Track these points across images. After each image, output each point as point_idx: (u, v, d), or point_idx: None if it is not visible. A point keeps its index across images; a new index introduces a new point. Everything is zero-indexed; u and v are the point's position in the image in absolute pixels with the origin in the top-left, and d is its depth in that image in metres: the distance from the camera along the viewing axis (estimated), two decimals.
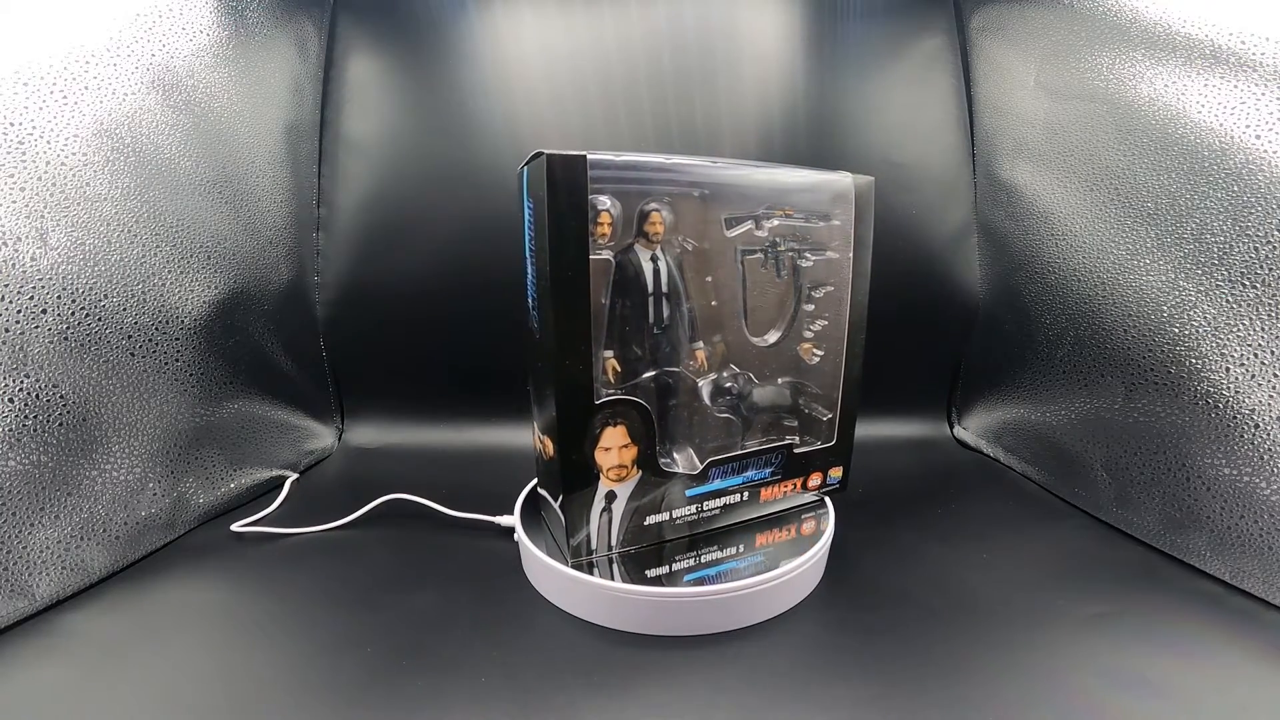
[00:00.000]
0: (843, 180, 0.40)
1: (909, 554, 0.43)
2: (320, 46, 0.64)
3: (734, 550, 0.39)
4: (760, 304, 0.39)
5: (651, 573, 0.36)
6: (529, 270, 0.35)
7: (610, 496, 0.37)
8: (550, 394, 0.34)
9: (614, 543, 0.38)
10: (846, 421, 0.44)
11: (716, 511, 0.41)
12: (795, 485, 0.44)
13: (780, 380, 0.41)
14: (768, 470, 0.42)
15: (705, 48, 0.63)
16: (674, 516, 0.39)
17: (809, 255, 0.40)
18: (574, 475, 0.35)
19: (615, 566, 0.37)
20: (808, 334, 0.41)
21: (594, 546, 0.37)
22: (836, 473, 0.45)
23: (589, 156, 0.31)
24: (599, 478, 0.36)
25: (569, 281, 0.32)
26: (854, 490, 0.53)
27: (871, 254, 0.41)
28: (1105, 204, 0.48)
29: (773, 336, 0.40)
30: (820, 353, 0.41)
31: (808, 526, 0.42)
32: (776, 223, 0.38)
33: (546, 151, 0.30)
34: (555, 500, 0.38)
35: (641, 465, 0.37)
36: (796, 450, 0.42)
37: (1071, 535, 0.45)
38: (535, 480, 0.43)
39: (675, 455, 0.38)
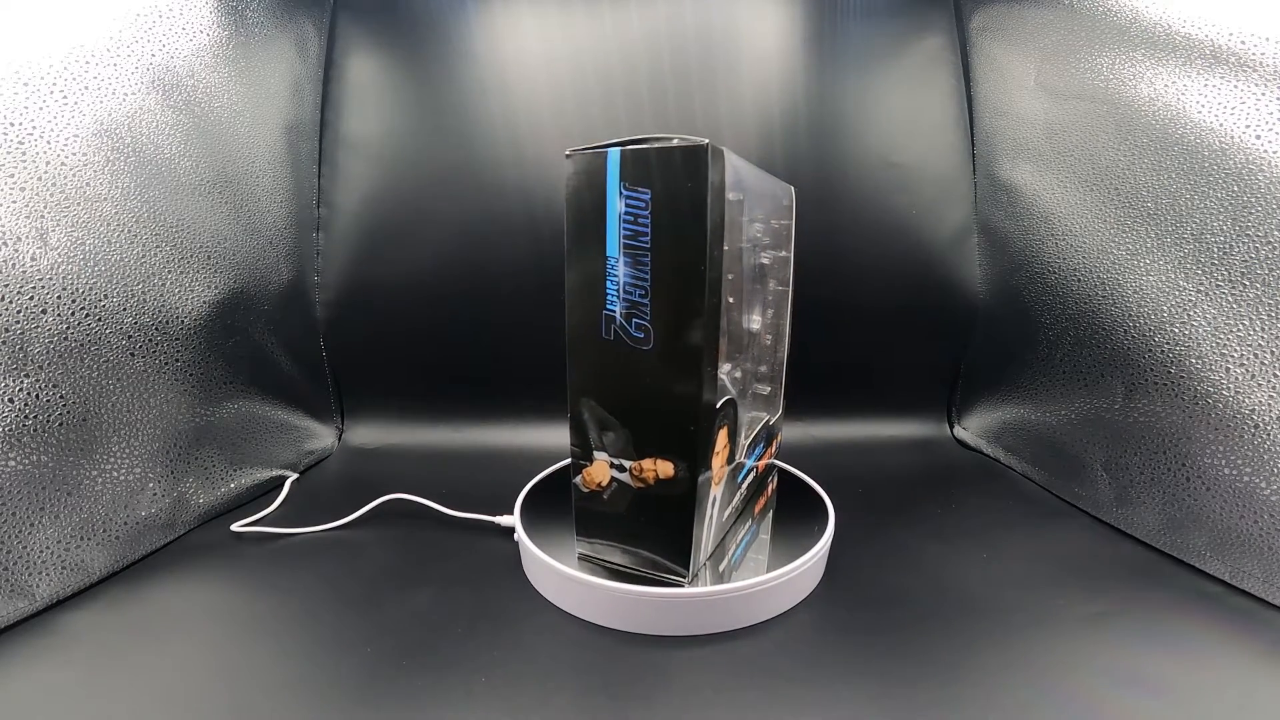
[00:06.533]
0: (788, 188, 0.43)
1: (909, 554, 0.43)
2: (320, 46, 0.64)
3: (748, 524, 0.40)
4: (749, 298, 0.41)
5: (721, 566, 0.36)
6: (623, 273, 0.31)
7: (714, 502, 0.35)
8: (681, 409, 0.31)
9: (710, 547, 0.37)
10: (784, 394, 0.49)
11: (745, 491, 0.42)
12: (769, 453, 0.47)
13: (751, 365, 0.44)
14: (762, 444, 0.44)
15: (705, 48, 0.63)
16: (733, 505, 0.40)
17: (767, 253, 0.41)
18: (702, 490, 0.33)
19: (706, 572, 0.35)
20: (766, 320, 0.44)
21: (702, 558, 0.36)
22: (779, 438, 0.51)
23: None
24: (710, 485, 0.34)
25: (716, 281, 0.30)
26: (854, 490, 0.53)
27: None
28: (1105, 204, 0.48)
29: (755, 325, 0.42)
30: (770, 337, 0.44)
31: (770, 486, 0.48)
32: (760, 225, 0.40)
33: (707, 141, 0.28)
34: (668, 522, 0.34)
35: (729, 463, 0.36)
36: (771, 423, 0.45)
37: (1071, 535, 0.45)
38: (588, 528, 0.37)
39: None
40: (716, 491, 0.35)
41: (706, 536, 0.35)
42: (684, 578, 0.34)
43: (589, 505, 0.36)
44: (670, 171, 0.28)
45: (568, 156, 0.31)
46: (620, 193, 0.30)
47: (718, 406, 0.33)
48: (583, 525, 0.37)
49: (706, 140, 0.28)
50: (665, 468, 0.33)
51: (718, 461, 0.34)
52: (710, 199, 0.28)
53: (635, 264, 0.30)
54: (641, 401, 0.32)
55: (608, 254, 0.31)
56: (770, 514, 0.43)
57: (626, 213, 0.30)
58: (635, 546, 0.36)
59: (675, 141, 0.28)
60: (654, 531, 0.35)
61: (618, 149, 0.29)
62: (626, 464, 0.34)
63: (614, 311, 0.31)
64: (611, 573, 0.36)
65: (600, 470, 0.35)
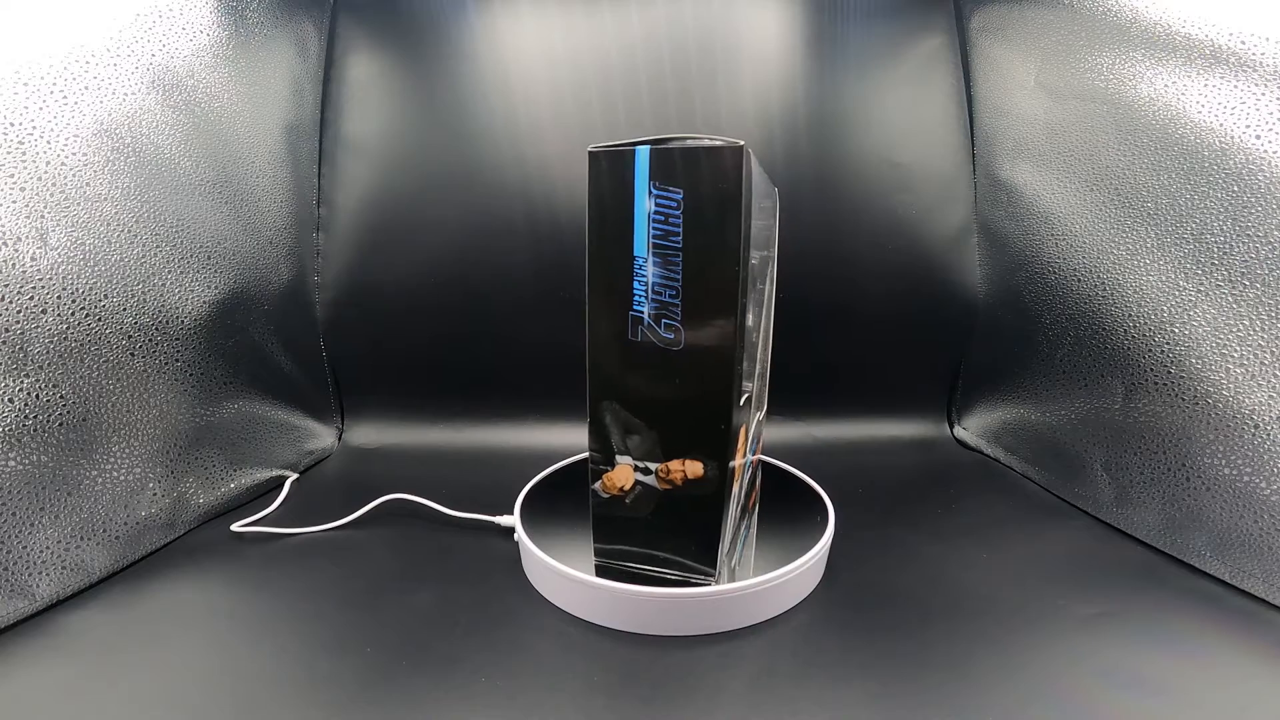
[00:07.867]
0: (774, 189, 0.42)
1: (909, 554, 0.43)
2: (320, 46, 0.64)
3: (745, 521, 0.40)
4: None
5: (732, 564, 0.35)
6: (652, 273, 0.30)
7: (733, 499, 0.35)
8: (714, 408, 0.31)
9: (728, 545, 0.36)
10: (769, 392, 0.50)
11: (746, 487, 0.42)
12: (758, 449, 0.47)
13: (748, 363, 0.45)
14: (755, 441, 0.44)
15: (705, 48, 0.63)
16: (741, 502, 0.40)
17: (755, 253, 0.42)
18: (728, 487, 0.33)
19: (724, 570, 0.35)
20: (758, 319, 0.44)
21: (723, 556, 0.35)
22: (763, 435, 0.51)
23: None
24: (733, 482, 0.34)
25: (746, 281, 0.30)
26: (854, 490, 0.53)
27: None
28: (1105, 204, 0.48)
29: (749, 323, 0.42)
30: (759, 335, 0.44)
31: (758, 481, 0.47)
32: (753, 225, 0.40)
33: (743, 143, 0.28)
34: (696, 522, 0.33)
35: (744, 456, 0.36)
36: (761, 419, 0.45)
37: (1071, 535, 0.45)
38: (608, 534, 0.36)
39: None
40: (736, 488, 0.36)
41: (729, 534, 0.36)
42: (712, 576, 0.34)
43: (609, 511, 0.35)
44: (704, 172, 0.28)
45: (591, 153, 0.30)
46: (650, 192, 0.29)
47: (740, 404, 0.33)
48: (602, 532, 0.36)
49: (742, 142, 0.28)
50: (694, 468, 0.32)
51: (738, 459, 0.34)
52: (743, 199, 0.28)
53: (666, 264, 0.30)
54: (671, 402, 0.32)
55: (635, 254, 0.30)
56: (757, 510, 0.44)
57: (657, 212, 0.29)
58: (660, 549, 0.35)
59: (719, 142, 0.28)
60: (681, 532, 0.34)
61: (646, 147, 0.29)
62: (653, 466, 0.33)
63: (642, 312, 0.31)
64: (628, 575, 0.35)
65: (623, 474, 0.34)
